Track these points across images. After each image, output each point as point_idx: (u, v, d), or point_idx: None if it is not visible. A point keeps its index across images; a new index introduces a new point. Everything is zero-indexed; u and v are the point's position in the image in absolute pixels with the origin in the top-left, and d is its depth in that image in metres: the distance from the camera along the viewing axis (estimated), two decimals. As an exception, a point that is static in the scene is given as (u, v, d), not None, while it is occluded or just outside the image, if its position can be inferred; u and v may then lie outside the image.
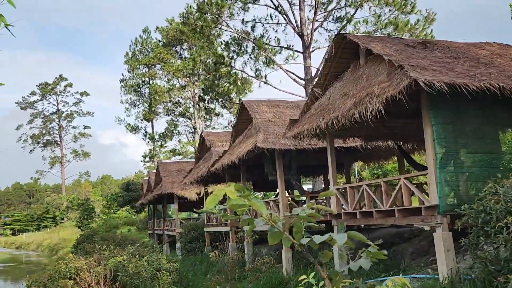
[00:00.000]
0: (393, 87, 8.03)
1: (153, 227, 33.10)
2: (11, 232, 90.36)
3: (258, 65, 31.67)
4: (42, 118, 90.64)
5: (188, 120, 60.01)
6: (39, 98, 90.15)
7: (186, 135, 58.59)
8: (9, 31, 4.36)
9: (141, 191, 37.53)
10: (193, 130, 58.93)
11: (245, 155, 13.44)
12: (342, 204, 10.96)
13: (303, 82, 31.55)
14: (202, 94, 34.07)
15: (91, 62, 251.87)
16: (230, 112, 58.18)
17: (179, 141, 58.73)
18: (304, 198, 16.93)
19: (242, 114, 15.99)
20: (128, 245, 17.39)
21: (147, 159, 63.74)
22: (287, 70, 31.08)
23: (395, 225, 14.11)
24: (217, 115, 60.20)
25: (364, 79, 9.48)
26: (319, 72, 11.20)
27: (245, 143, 14.25)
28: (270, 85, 30.97)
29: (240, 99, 15.74)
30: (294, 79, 31.68)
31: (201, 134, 20.08)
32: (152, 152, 61.30)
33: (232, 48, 29.69)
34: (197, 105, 57.50)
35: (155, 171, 31.75)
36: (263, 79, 29.09)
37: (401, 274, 9.71)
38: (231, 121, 59.83)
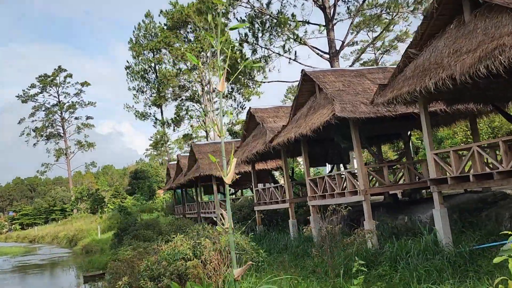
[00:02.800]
0: (531, 36, 7.55)
1: (183, 211, 32.70)
2: (20, 226, 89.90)
3: (276, 43, 31.20)
4: (43, 110, 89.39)
5: (196, 104, 59.35)
6: (40, 91, 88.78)
7: (198, 119, 57.92)
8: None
9: (168, 176, 37.02)
10: (202, 113, 58.31)
11: (320, 126, 12.95)
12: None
13: (327, 56, 31.04)
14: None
15: (86, 52, 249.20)
16: (239, 93, 57.61)
17: (191, 126, 58.07)
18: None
19: (303, 86, 15.44)
20: (187, 229, 17.01)
21: (159, 145, 63.26)
22: (312, 46, 30.55)
23: (474, 190, 13.79)
24: (226, 96, 59.55)
25: (479, 33, 8.97)
26: (416, 31, 10.62)
27: (316, 114, 13.75)
28: (297, 61, 30.47)
29: (302, 70, 15.14)
30: (318, 54, 31.17)
31: (248, 110, 19.53)
32: (163, 137, 60.68)
33: (255, 24, 29.05)
34: (206, 88, 56.85)
35: (185, 154, 31.26)
36: (292, 56, 28.56)
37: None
38: (240, 103, 59.28)
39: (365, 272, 7.93)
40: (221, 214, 4.18)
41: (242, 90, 56.29)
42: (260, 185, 27.62)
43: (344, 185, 13.98)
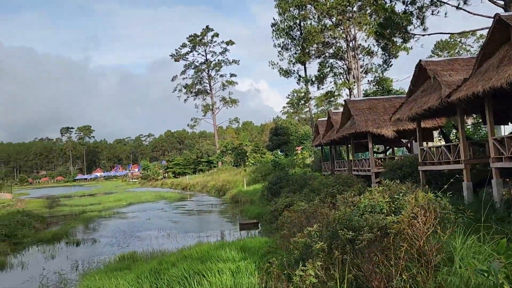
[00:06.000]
0: None
1: (331, 167, 32.54)
2: (173, 175, 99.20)
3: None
4: (193, 68, 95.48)
5: (340, 61, 57.87)
6: (190, 50, 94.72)
7: (342, 76, 56.58)
8: None
9: (316, 133, 37.04)
10: (347, 70, 56.75)
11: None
12: None
13: (501, 2, 27.41)
14: (378, 29, 31.37)
15: (226, 13, 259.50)
16: (384, 50, 54.79)
17: (334, 83, 57.00)
18: None
19: (494, 34, 13.63)
20: (355, 184, 16.68)
21: (301, 102, 63.70)
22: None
23: None
24: (371, 53, 57.14)
25: None
26: None
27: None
28: (463, 9, 27.50)
29: (496, 14, 13.32)
30: (490, 1, 27.69)
31: (418, 63, 18.06)
32: (306, 95, 60.76)
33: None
34: (350, 44, 54.92)
35: (337, 111, 30.84)
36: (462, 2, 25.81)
37: None
38: (386, 59, 56.35)
39: None
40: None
41: (389, 45, 53.32)
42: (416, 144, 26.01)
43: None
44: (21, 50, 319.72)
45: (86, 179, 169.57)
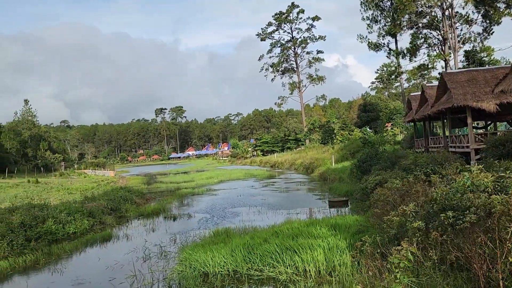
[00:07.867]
0: None
1: (426, 144, 31.06)
2: (261, 153, 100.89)
3: None
4: (279, 47, 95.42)
5: (435, 31, 54.44)
6: (275, 28, 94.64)
7: (437, 48, 53.29)
8: None
9: (408, 109, 35.48)
10: (442, 41, 53.33)
11: None
12: None
13: None
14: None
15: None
16: (485, 17, 50.64)
17: (428, 55, 53.89)
18: None
19: None
20: (453, 162, 15.81)
21: (392, 76, 61.26)
22: None
23: None
24: (470, 21, 53.14)
25: None
26: None
27: None
28: None
29: None
30: None
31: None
32: (397, 69, 58.24)
33: None
34: (447, 12, 51.35)
35: (431, 84, 29.22)
36: None
37: None
38: (486, 27, 52.09)
39: None
40: None
41: (490, 12, 49.17)
42: None
43: None
44: (117, 35, 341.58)
45: (179, 157, 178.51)
